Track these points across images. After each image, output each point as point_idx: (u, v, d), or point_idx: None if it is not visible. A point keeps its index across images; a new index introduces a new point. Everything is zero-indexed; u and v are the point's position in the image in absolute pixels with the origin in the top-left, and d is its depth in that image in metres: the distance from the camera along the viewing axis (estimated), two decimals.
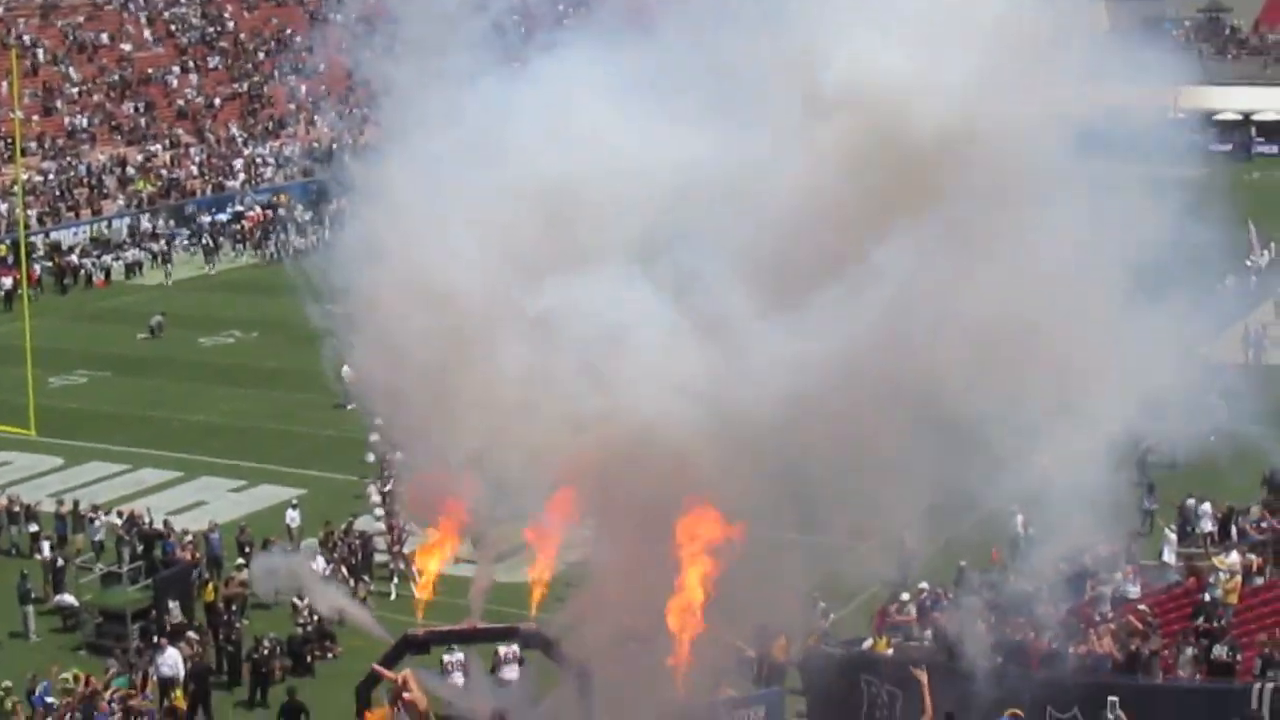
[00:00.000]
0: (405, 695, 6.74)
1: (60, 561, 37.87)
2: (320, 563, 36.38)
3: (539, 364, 20.76)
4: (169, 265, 74.06)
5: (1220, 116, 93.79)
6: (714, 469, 20.90)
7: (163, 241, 78.41)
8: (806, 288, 20.71)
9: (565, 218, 21.69)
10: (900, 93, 19.77)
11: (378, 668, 7.26)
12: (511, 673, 30.12)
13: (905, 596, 32.47)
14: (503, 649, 30.41)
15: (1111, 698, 15.81)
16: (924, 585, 32.79)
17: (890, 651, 29.70)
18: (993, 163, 20.62)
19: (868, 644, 30.68)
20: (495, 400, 21.12)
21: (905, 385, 21.24)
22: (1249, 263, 60.90)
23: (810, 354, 20.02)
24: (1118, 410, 22.01)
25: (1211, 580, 31.71)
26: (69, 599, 36.44)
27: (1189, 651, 29.09)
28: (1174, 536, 35.13)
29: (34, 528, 40.16)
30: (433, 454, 23.36)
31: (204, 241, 79.10)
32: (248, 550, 38.38)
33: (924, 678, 16.98)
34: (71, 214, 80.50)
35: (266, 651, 32.37)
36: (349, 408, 50.13)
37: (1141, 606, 30.79)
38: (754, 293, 20.70)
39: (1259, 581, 32.51)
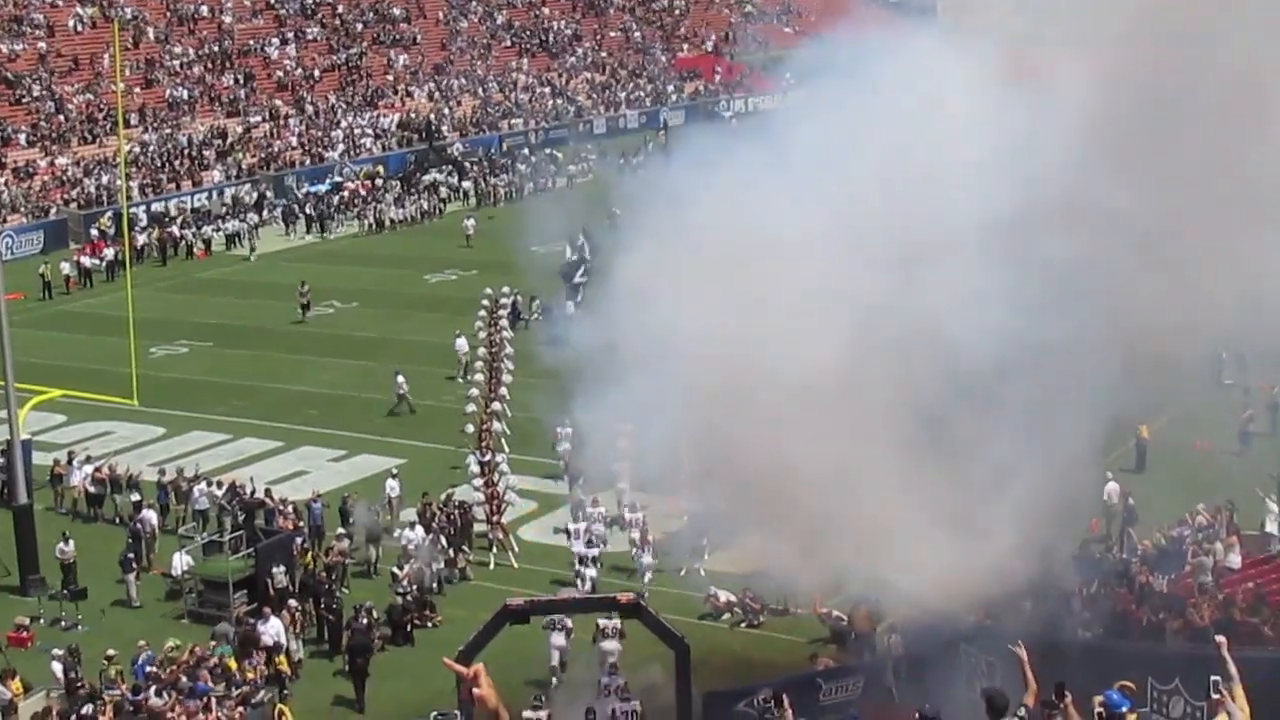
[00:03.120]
0: (476, 690, 6.69)
1: (135, 532, 38.06)
2: (419, 533, 36.53)
3: None
4: (253, 240, 74.81)
5: None
6: None
7: (264, 213, 79.05)
8: None
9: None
10: None
11: (449, 662, 7.21)
12: (612, 645, 30.06)
13: None
14: (603, 621, 30.33)
15: (1214, 677, 15.54)
16: None
17: (989, 622, 29.46)
18: None
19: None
20: None
21: None
22: None
23: None
24: None
25: None
26: (184, 559, 36.20)
27: None
28: (1275, 506, 34.56)
29: (136, 497, 40.54)
30: None
31: (307, 211, 79.68)
32: (351, 521, 38.57)
33: (1023, 653, 16.74)
34: (172, 185, 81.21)
35: (366, 621, 32.42)
36: (462, 380, 50.32)
37: (1252, 584, 30.42)
38: None
39: None
